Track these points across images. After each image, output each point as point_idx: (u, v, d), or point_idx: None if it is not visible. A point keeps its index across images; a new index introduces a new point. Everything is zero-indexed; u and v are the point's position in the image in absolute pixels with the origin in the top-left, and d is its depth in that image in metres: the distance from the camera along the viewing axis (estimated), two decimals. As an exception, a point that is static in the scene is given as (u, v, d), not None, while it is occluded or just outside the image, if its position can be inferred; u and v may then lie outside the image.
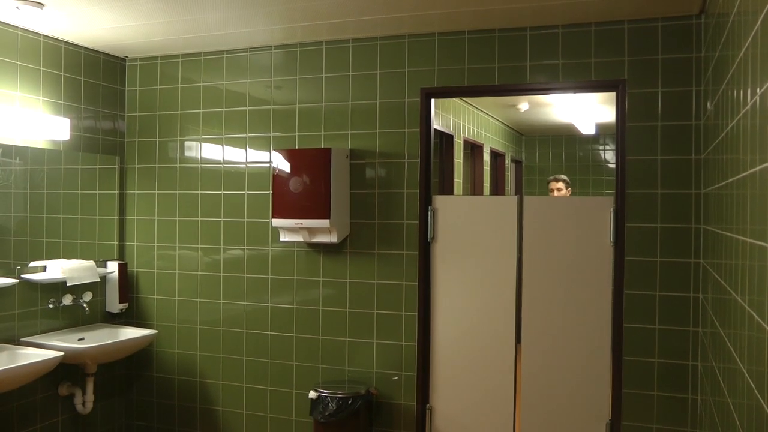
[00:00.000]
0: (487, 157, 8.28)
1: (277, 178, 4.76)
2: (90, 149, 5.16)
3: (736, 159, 2.49)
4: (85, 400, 4.88)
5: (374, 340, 4.78)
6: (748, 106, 2.17)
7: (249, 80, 5.12)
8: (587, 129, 9.24)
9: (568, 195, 7.19)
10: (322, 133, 4.90)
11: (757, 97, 2.01)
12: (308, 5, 4.11)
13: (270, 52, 5.05)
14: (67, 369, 4.75)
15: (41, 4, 4.03)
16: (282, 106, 5.02)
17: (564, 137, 10.07)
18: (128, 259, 5.46)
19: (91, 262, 5.02)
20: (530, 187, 10.16)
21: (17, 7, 4.03)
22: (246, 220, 5.11)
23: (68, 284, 4.77)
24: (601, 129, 9.32)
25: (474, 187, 7.89)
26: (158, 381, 5.44)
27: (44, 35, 4.73)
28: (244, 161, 5.14)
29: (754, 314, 2.02)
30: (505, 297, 4.49)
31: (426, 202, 4.65)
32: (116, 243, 5.41)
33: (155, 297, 5.42)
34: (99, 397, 5.09)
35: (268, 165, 5.03)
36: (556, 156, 10.18)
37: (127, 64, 5.46)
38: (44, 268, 4.76)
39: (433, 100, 4.70)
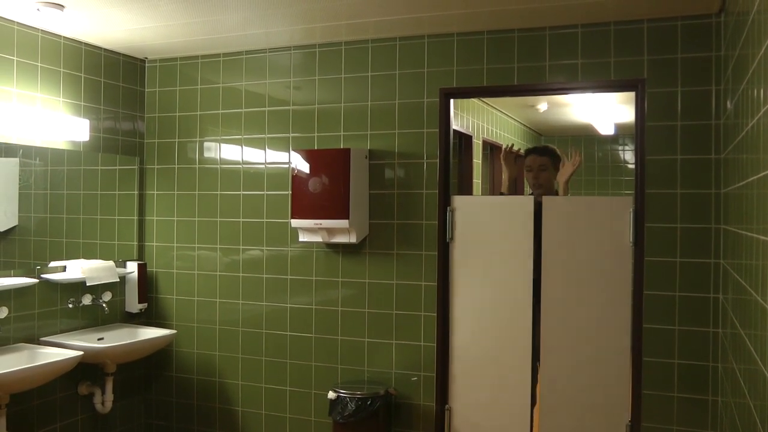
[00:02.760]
0: (506, 157, 8.24)
1: (296, 178, 4.77)
2: (110, 150, 5.19)
3: (756, 158, 2.47)
4: (104, 400, 4.91)
5: (393, 340, 4.77)
6: (769, 105, 2.16)
7: (268, 81, 5.13)
8: (606, 129, 9.18)
9: (558, 176, 4.84)
10: (341, 133, 4.90)
11: (778, 96, 1.99)
12: (328, 5, 4.11)
13: (289, 52, 5.06)
14: (87, 368, 4.77)
15: (62, 6, 4.06)
16: (301, 106, 5.03)
17: (583, 137, 10.01)
18: (147, 260, 5.49)
19: (111, 263, 5.05)
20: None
21: (38, 9, 4.07)
22: (265, 220, 5.12)
23: (88, 284, 4.80)
24: (620, 129, 9.27)
25: (493, 188, 7.88)
26: (177, 381, 5.46)
27: (64, 37, 4.76)
28: (264, 162, 5.15)
29: (775, 314, 2.00)
30: (523, 297, 4.47)
31: (445, 202, 4.64)
32: (136, 243, 5.44)
33: (174, 297, 5.45)
34: (118, 397, 5.12)
35: (287, 165, 5.04)
36: (576, 156, 10.12)
37: (146, 65, 5.49)
38: (64, 268, 4.80)
39: (452, 101, 4.69)
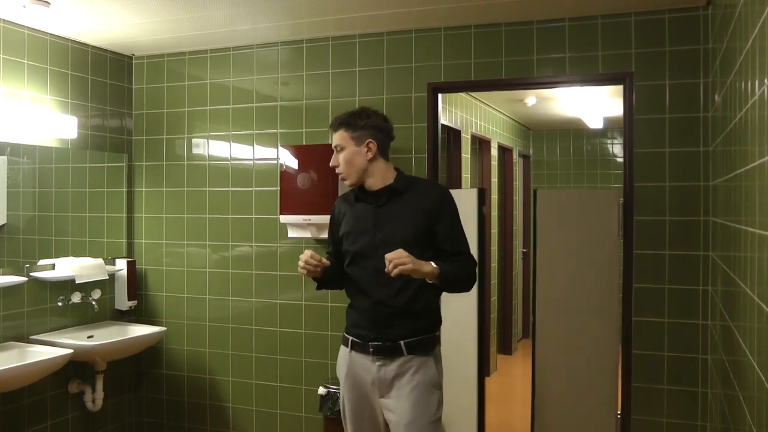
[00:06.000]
0: (494, 152, 8.26)
1: (285, 174, 4.76)
2: (98, 147, 5.17)
3: (744, 150, 2.48)
4: (95, 398, 4.90)
5: (383, 335, 4.76)
6: (756, 97, 2.16)
7: (256, 77, 5.12)
8: (595, 123, 9.20)
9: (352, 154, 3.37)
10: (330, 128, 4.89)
11: (765, 88, 1.99)
12: (314, 0, 4.10)
13: (276, 48, 5.05)
14: (77, 366, 4.76)
15: (48, 3, 4.03)
16: (289, 102, 5.02)
17: (572, 131, 10.04)
18: (137, 257, 5.47)
19: (100, 260, 5.03)
20: (538, 182, 10.13)
21: (24, 6, 4.04)
22: (254, 216, 5.11)
23: (77, 282, 4.78)
24: (609, 122, 9.29)
25: (482, 182, 7.88)
26: (168, 378, 5.45)
27: (51, 34, 4.73)
28: (252, 158, 5.14)
29: (764, 306, 2.01)
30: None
31: (433, 197, 4.62)
32: (125, 240, 5.42)
33: (164, 294, 5.43)
34: (109, 395, 5.10)
35: (275, 161, 5.03)
36: (564, 150, 10.15)
37: (134, 62, 5.46)
38: (53, 266, 4.77)
39: (440, 95, 4.69)
